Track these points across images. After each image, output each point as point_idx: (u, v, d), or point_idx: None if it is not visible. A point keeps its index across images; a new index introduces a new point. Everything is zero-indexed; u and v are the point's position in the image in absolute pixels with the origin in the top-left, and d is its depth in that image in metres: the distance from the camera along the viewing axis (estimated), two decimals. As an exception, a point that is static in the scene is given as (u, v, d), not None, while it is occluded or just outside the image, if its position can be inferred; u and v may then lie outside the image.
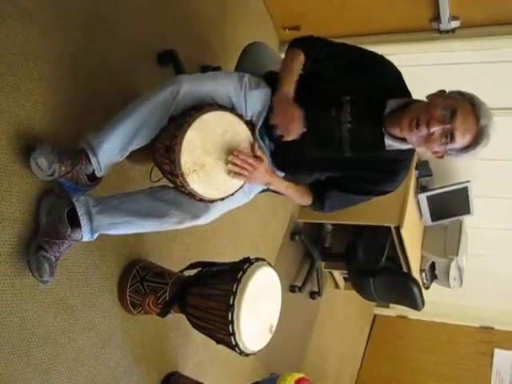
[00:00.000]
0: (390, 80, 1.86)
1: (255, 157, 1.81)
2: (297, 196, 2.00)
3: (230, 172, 1.79)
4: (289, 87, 1.83)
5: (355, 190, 1.96)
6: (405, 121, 1.71)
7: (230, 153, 1.77)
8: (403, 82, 1.88)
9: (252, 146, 1.82)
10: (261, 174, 1.83)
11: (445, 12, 2.85)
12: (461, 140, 1.67)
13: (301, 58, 1.86)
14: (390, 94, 1.81)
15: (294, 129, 1.81)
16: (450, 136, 1.67)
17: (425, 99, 1.78)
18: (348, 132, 1.82)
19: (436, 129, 1.66)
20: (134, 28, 2.32)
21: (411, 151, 1.87)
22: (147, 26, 2.40)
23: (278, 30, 3.38)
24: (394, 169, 1.90)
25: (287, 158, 2.00)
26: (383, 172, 1.90)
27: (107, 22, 2.17)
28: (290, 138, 1.82)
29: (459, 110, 1.65)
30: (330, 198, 1.97)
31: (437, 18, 2.92)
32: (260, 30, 3.27)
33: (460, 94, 1.73)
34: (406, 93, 1.86)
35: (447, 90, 1.77)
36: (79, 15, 2.04)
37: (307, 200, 2.01)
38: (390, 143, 1.81)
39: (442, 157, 1.78)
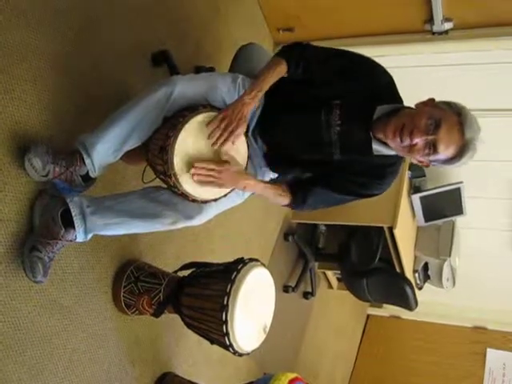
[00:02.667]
0: (380, 84, 1.84)
1: (222, 161, 1.77)
2: (275, 196, 1.93)
3: (198, 182, 1.74)
4: (255, 94, 1.79)
5: (339, 189, 1.93)
6: (389, 128, 1.72)
7: (223, 154, 1.77)
8: (394, 86, 1.87)
9: (218, 152, 1.77)
10: (228, 176, 1.77)
11: (438, 14, 2.87)
12: (444, 152, 1.68)
13: (281, 68, 1.83)
14: (379, 99, 1.81)
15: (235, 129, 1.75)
16: (432, 147, 1.67)
17: (414, 106, 1.77)
18: (337, 135, 1.83)
19: (419, 140, 1.66)
20: (128, 29, 2.32)
21: (400, 156, 1.86)
22: (141, 27, 2.40)
23: (272, 31, 3.38)
24: (381, 173, 1.90)
25: (279, 159, 2.01)
26: (370, 176, 1.90)
27: (101, 22, 2.17)
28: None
29: (444, 121, 1.65)
30: (313, 194, 1.94)
31: (430, 19, 2.94)
32: (254, 31, 3.28)
33: (448, 104, 1.72)
34: (395, 98, 1.85)
35: (437, 99, 1.76)
36: (73, 16, 2.04)
37: (284, 200, 1.95)
38: (377, 148, 1.81)
39: (427, 166, 1.79)
